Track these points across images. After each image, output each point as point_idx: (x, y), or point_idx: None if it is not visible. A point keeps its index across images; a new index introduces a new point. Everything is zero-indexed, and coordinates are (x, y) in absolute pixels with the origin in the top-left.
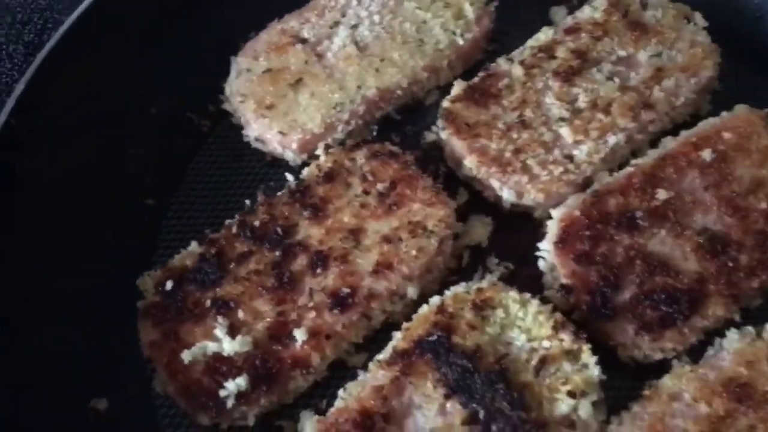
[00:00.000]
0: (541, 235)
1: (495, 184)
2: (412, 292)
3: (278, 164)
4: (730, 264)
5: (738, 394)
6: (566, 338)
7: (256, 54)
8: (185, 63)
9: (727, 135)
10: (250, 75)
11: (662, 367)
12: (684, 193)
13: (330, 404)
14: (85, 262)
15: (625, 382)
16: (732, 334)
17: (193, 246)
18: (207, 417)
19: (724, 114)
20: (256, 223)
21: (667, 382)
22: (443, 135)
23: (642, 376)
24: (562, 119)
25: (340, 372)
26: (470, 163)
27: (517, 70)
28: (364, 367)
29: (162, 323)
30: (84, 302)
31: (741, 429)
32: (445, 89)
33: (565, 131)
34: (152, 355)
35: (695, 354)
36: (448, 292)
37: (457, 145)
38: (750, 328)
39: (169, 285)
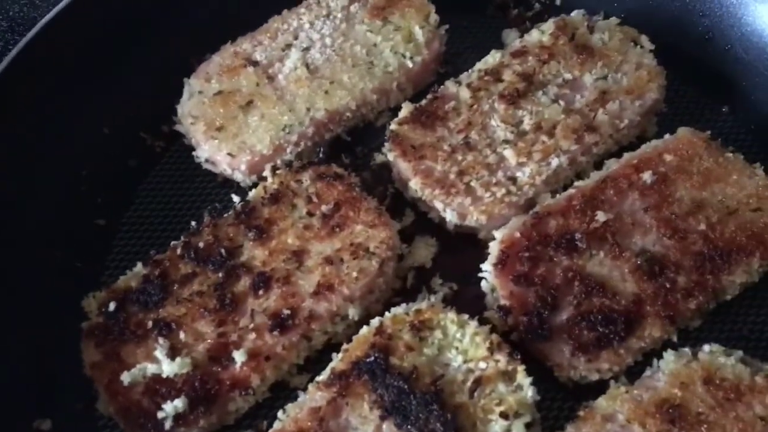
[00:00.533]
0: (484, 256)
1: (439, 205)
2: (353, 313)
3: (229, 185)
4: (668, 285)
5: (671, 415)
6: (502, 359)
7: (209, 76)
8: (139, 83)
9: (668, 157)
10: (201, 97)
11: (600, 388)
12: (624, 215)
13: (270, 425)
14: (32, 281)
15: (562, 402)
16: (668, 356)
17: (138, 267)
18: None
19: (666, 136)
20: (201, 244)
21: (602, 403)
22: (390, 156)
23: (579, 396)
24: (507, 141)
25: (282, 393)
26: (415, 184)
27: (465, 93)
28: (306, 388)
29: (104, 344)
30: (29, 322)
31: None
32: (396, 111)
33: (509, 153)
34: (94, 376)
35: (633, 374)
36: (387, 314)
37: (402, 166)
38: (686, 350)
39: (112, 306)
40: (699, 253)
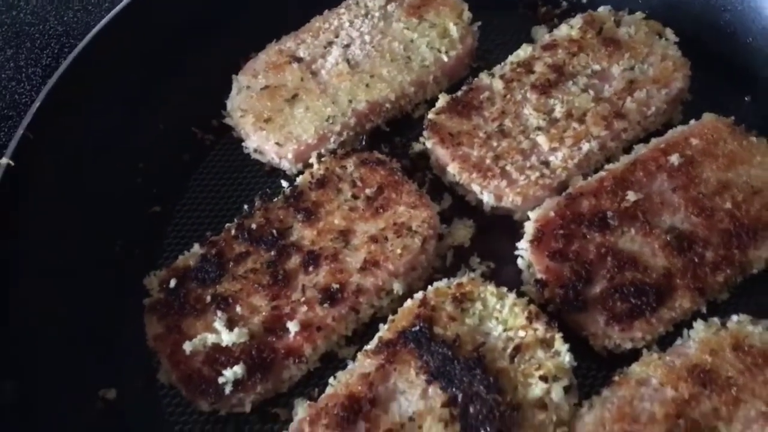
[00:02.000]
0: (520, 236)
1: (476, 188)
2: (397, 288)
3: (276, 173)
4: (696, 260)
5: (702, 379)
6: (540, 328)
7: (256, 72)
8: (191, 82)
9: (694, 141)
10: (249, 92)
11: (633, 356)
12: (653, 195)
13: (321, 393)
14: (96, 264)
15: (597, 371)
16: (698, 325)
17: (195, 248)
18: (206, 403)
19: (692, 122)
20: (253, 225)
21: (635, 368)
22: (428, 144)
23: (614, 365)
24: (539, 128)
25: (332, 363)
26: (453, 169)
27: (498, 84)
28: (354, 358)
29: (166, 318)
30: (95, 301)
31: (705, 411)
32: (432, 103)
33: (541, 139)
34: (157, 347)
35: (664, 344)
36: (429, 288)
37: (441, 153)
38: (715, 319)
39: (172, 283)
40: (726, 230)
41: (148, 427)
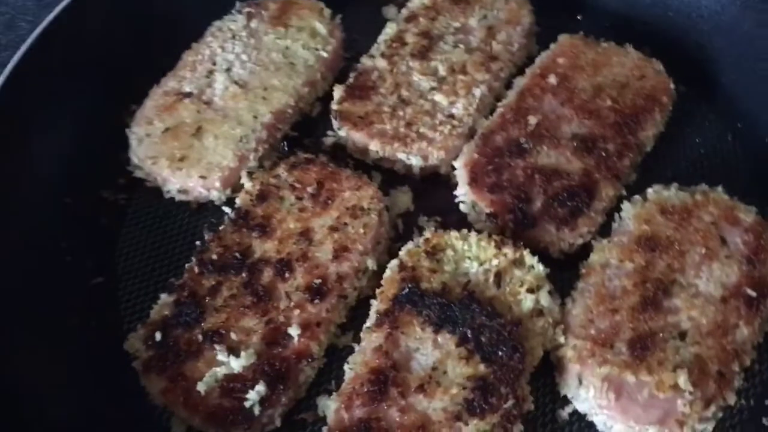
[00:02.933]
0: (452, 186)
1: (402, 156)
2: (371, 264)
3: (204, 208)
4: (603, 154)
5: (649, 245)
6: (509, 251)
7: (149, 119)
8: (80, 150)
9: (561, 60)
10: (151, 139)
11: (584, 252)
12: (548, 113)
13: (338, 383)
14: (57, 350)
15: (562, 273)
16: (625, 206)
17: (164, 297)
18: (240, 431)
19: (552, 45)
20: (214, 257)
21: (594, 257)
22: (342, 133)
23: (573, 264)
24: (433, 89)
25: (336, 355)
26: (375, 146)
27: (381, 63)
28: (356, 341)
29: (165, 371)
30: (80, 388)
31: (662, 270)
32: (325, 99)
33: (439, 97)
34: (167, 401)
35: (604, 233)
36: (401, 252)
37: (357, 136)
38: (637, 197)
39: (158, 336)
40: (615, 123)
41: None
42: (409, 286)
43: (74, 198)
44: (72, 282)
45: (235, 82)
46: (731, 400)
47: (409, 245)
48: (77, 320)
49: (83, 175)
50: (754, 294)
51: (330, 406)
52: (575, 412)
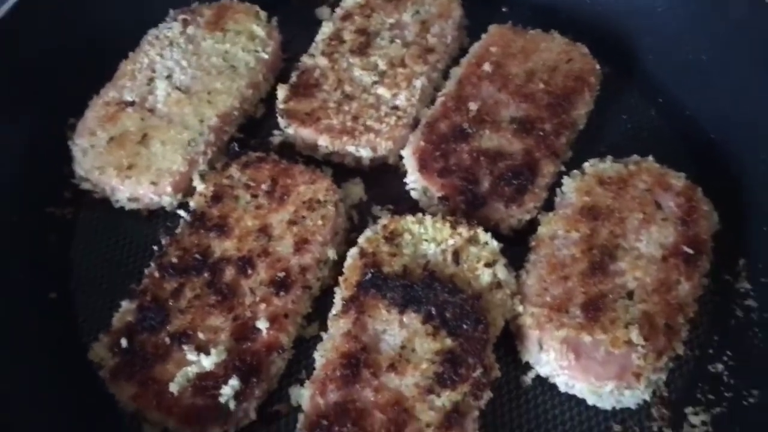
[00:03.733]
0: (402, 174)
1: (351, 149)
2: (331, 254)
3: (155, 215)
4: (541, 134)
5: (592, 214)
6: (463, 230)
7: (92, 130)
8: (21, 167)
9: (493, 48)
10: (96, 149)
11: (531, 227)
12: (486, 99)
13: (309, 372)
14: (18, 369)
15: (512, 248)
16: (565, 180)
17: (125, 304)
18: (218, 428)
19: (483, 35)
20: (174, 260)
21: (542, 230)
22: (290, 131)
23: (522, 239)
24: (375, 83)
25: (303, 345)
26: (324, 141)
27: (322, 60)
28: (323, 330)
29: (134, 376)
30: (46, 404)
31: (606, 236)
32: (268, 100)
33: (382, 90)
34: (139, 406)
35: (548, 207)
36: (360, 239)
37: (305, 133)
38: (575, 171)
39: (123, 343)
40: (548, 104)
41: None
42: (372, 271)
43: (20, 216)
44: (25, 300)
45: (178, 88)
46: (680, 349)
47: (368, 233)
48: (35, 337)
49: (27, 192)
50: (691, 251)
51: (304, 395)
52: (538, 377)
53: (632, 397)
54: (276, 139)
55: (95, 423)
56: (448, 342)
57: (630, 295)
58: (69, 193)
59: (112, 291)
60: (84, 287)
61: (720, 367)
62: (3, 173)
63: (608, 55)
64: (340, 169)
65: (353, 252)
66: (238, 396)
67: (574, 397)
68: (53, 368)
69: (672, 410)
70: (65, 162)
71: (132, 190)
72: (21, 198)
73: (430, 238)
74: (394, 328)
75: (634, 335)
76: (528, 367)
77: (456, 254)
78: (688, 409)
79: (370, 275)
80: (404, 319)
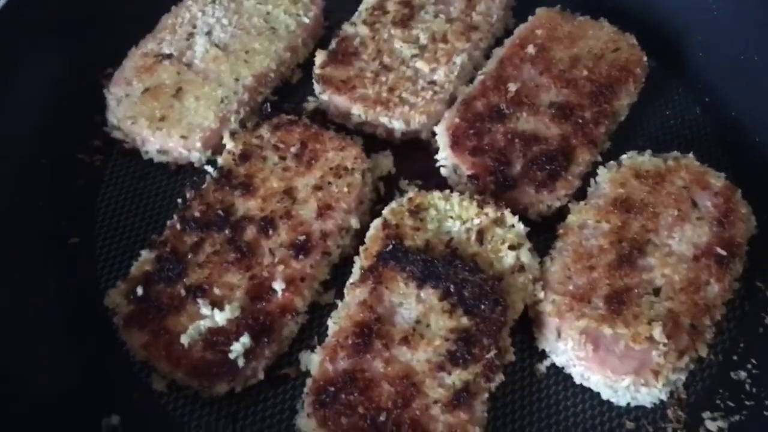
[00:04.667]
0: (433, 151)
1: (384, 120)
2: (354, 222)
3: (183, 170)
4: (580, 121)
5: (624, 207)
6: (490, 211)
7: (128, 80)
8: (55, 111)
9: (539, 32)
10: (130, 99)
11: (560, 215)
12: (527, 82)
13: (321, 339)
14: (40, 307)
15: (539, 235)
16: (601, 171)
17: (144, 254)
18: (224, 383)
19: (530, 18)
20: (196, 214)
21: (572, 218)
22: (324, 97)
23: (550, 226)
24: (414, 56)
25: (318, 312)
26: (358, 110)
27: (363, 30)
28: (339, 298)
29: (147, 325)
30: (59, 347)
31: (637, 230)
32: (305, 66)
33: (420, 64)
34: (149, 355)
35: (579, 197)
36: (385, 211)
37: (339, 100)
38: (612, 162)
39: (139, 291)
40: (591, 92)
41: None
42: (393, 243)
43: (50, 159)
44: (48, 242)
45: (216, 45)
46: (703, 352)
47: (393, 204)
48: (54, 280)
49: (58, 137)
50: (724, 253)
51: (313, 360)
52: (553, 366)
53: (648, 395)
54: (310, 105)
55: (106, 370)
56: (464, 321)
57: (656, 291)
58: (100, 142)
59: (134, 240)
60: (106, 235)
61: (743, 374)
62: (37, 116)
63: (657, 48)
64: (371, 141)
65: (376, 223)
66: (248, 354)
67: (588, 389)
68: (69, 312)
69: (689, 413)
70: (99, 111)
71: (162, 142)
72: (53, 142)
73: (456, 215)
74: (411, 302)
75: (657, 332)
76: (544, 355)
77: (480, 234)
78: (706, 414)
79: (391, 247)
80: (422, 294)
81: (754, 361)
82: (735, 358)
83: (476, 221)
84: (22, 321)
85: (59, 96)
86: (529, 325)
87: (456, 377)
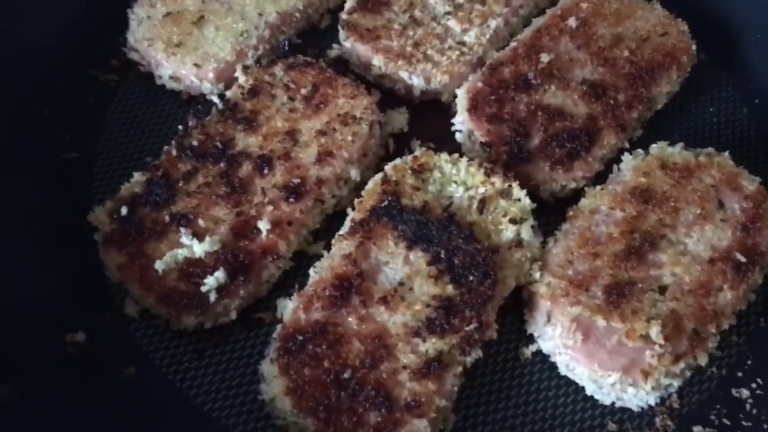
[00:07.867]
0: (450, 116)
1: (404, 75)
2: (354, 174)
3: (194, 100)
4: (612, 102)
5: (643, 197)
6: (497, 181)
7: (152, 2)
8: (75, 25)
9: (584, 5)
10: (151, 21)
11: (574, 198)
12: (562, 55)
13: (302, 288)
14: (29, 217)
15: (549, 216)
16: (626, 157)
17: (137, 176)
18: (192, 316)
19: None
20: (194, 143)
21: (585, 201)
22: (347, 44)
23: (561, 208)
24: (448, 13)
25: (304, 261)
26: (378, 62)
27: None
28: (327, 250)
29: (125, 246)
30: (39, 255)
31: (653, 223)
32: (335, 12)
33: (452, 23)
34: (123, 277)
35: (598, 182)
36: (387, 166)
37: (362, 49)
38: (639, 150)
39: (123, 211)
40: (629, 74)
41: (128, 362)
42: (389, 199)
43: (64, 71)
44: (46, 151)
45: None
46: (703, 360)
47: (397, 161)
48: (45, 191)
49: (76, 50)
50: (743, 260)
51: (288, 306)
52: (539, 352)
53: (636, 397)
54: (333, 52)
55: (82, 287)
56: (450, 289)
57: (662, 289)
58: (117, 62)
59: (132, 162)
60: (107, 153)
61: (745, 392)
62: (59, 30)
63: (709, 41)
64: (389, 96)
65: (376, 177)
66: (221, 290)
67: (573, 382)
68: (56, 224)
69: (678, 424)
70: (120, 31)
71: (175, 68)
72: (71, 56)
73: (461, 181)
74: (397, 263)
75: (654, 331)
76: (531, 339)
77: (483, 203)
78: (697, 428)
79: (386, 202)
80: (410, 256)
81: (759, 381)
82: (740, 374)
83: (481, 190)
84: (4, 225)
85: (83, 9)
86: (520, 307)
87: (430, 345)
